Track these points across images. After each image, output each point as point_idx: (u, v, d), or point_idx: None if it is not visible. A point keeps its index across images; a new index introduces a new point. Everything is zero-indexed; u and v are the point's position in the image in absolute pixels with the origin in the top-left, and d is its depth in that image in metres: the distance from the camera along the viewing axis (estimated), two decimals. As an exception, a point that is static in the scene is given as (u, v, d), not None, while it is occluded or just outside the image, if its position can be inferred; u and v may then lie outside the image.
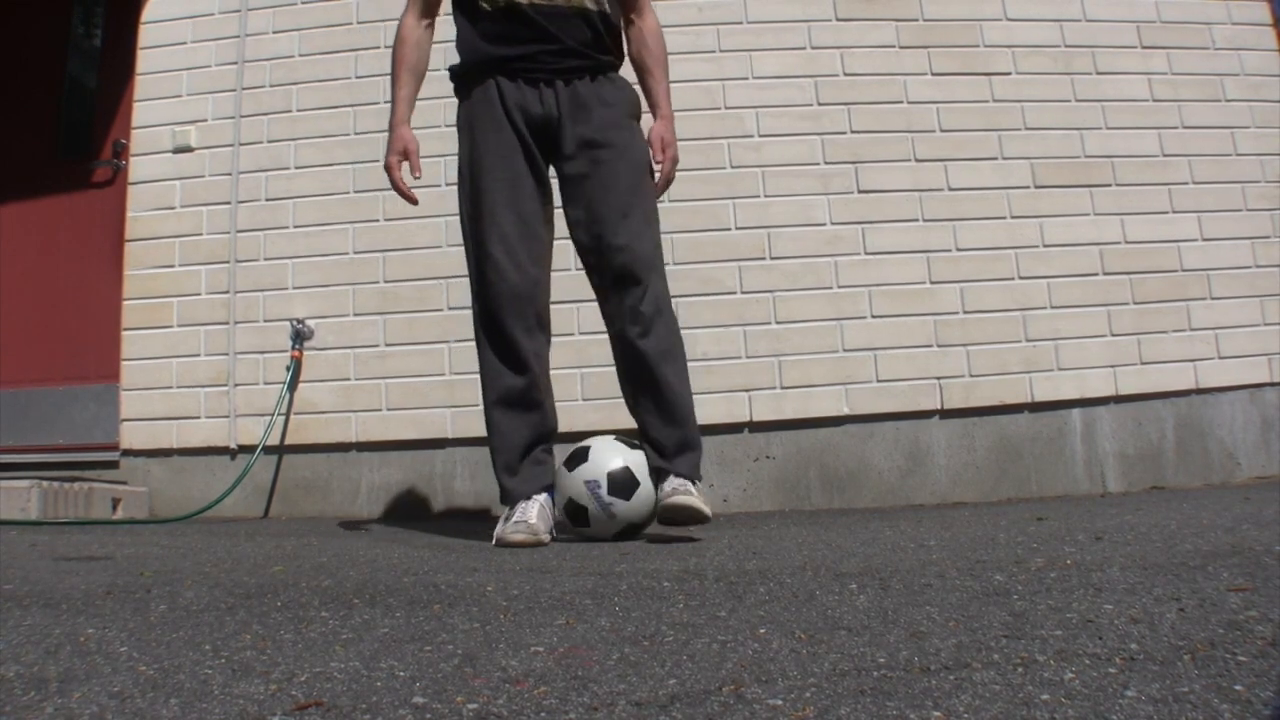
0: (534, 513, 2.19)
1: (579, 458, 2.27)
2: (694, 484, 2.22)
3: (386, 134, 2.39)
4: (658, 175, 2.38)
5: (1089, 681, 0.88)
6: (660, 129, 2.39)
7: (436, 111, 3.58)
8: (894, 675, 0.94)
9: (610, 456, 2.26)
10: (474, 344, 2.36)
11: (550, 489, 2.29)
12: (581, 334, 3.36)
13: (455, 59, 2.39)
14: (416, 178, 2.34)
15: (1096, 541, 1.78)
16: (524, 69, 2.28)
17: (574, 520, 2.26)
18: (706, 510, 2.13)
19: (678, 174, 2.46)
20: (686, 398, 2.29)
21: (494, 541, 2.19)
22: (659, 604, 1.35)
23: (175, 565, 1.86)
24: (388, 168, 2.34)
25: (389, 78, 2.40)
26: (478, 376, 3.39)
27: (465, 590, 1.50)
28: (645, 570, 1.66)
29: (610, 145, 2.28)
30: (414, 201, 2.38)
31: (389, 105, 2.39)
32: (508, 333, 2.25)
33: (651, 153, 2.37)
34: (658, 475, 2.24)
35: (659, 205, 2.42)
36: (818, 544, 1.99)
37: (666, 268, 3.40)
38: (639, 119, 2.40)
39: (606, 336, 3.14)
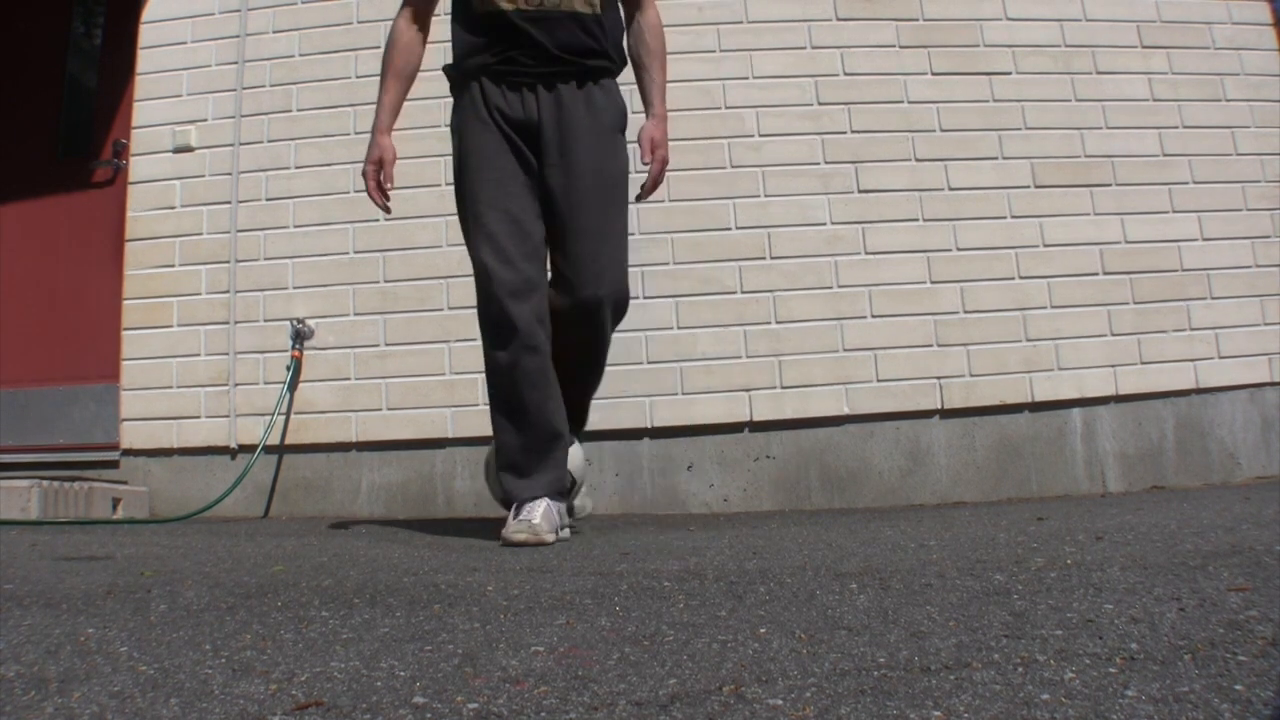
0: (539, 513, 2.19)
1: None
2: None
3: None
4: (645, 178, 2.34)
5: (1089, 681, 0.88)
6: (651, 129, 2.34)
7: (436, 111, 3.59)
8: (894, 675, 0.94)
9: None
10: (476, 343, 2.34)
11: (564, 491, 2.28)
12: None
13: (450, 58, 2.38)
14: (388, 188, 2.36)
15: (1097, 541, 1.78)
16: (505, 74, 2.26)
17: None
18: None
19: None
20: (574, 413, 2.34)
21: (500, 540, 2.19)
22: (659, 604, 1.35)
23: (175, 565, 1.86)
24: (365, 175, 2.36)
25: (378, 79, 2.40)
26: (478, 376, 3.41)
27: (465, 590, 1.50)
28: (645, 570, 1.66)
29: (585, 160, 2.25)
30: (387, 210, 2.40)
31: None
32: (515, 333, 2.20)
33: (640, 154, 2.32)
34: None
35: (652, 204, 2.38)
36: (818, 544, 1.99)
37: (666, 267, 3.44)
38: (624, 130, 2.36)
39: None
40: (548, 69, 2.25)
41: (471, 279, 3.45)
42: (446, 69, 2.38)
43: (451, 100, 2.41)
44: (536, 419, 2.24)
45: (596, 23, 2.28)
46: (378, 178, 2.35)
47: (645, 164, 2.33)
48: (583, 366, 2.36)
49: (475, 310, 2.18)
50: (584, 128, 2.26)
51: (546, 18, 2.23)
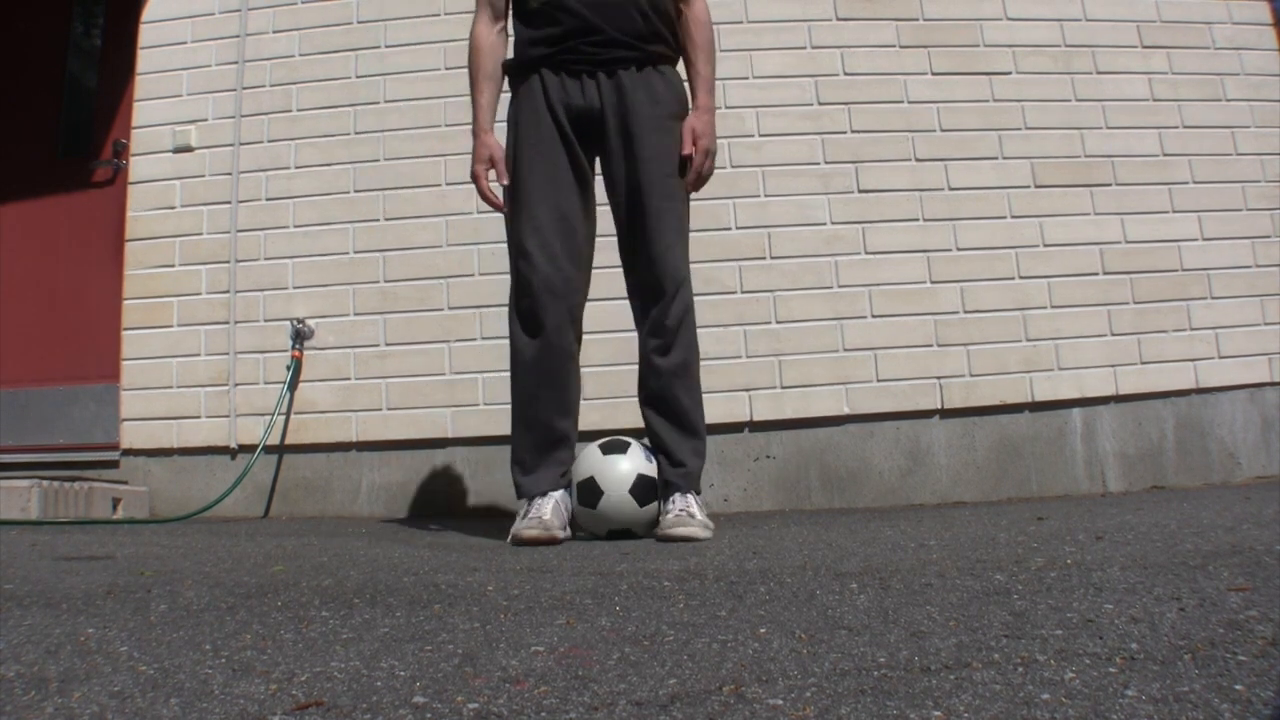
0: (548, 509, 2.19)
1: (617, 448, 2.31)
2: (696, 498, 2.26)
3: (471, 141, 2.38)
4: (689, 169, 2.32)
5: (1089, 681, 0.88)
6: (693, 120, 2.33)
7: (436, 111, 3.59)
8: (894, 675, 0.94)
9: (646, 459, 2.31)
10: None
11: (567, 488, 2.28)
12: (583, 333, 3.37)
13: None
14: (504, 185, 2.33)
15: (1097, 541, 1.78)
16: (565, 61, 2.26)
17: (583, 499, 2.27)
18: (705, 535, 2.16)
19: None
20: (696, 410, 2.32)
21: (509, 539, 2.19)
22: (659, 604, 1.35)
23: (175, 565, 1.86)
24: (474, 176, 2.34)
25: (468, 84, 2.40)
26: (479, 376, 3.41)
27: (466, 590, 1.50)
28: (645, 570, 1.66)
29: (650, 147, 2.26)
30: (501, 209, 2.36)
31: (470, 110, 2.38)
32: (543, 329, 2.23)
33: (683, 144, 2.30)
34: (664, 487, 2.27)
35: (693, 201, 2.39)
36: (818, 544, 1.99)
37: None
38: (684, 118, 2.34)
39: (606, 336, 3.17)
40: (608, 54, 2.25)
41: (471, 279, 3.47)
42: (506, 63, 2.38)
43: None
44: (545, 417, 2.25)
45: (653, 7, 2.29)
46: (487, 178, 2.33)
47: (686, 155, 2.31)
48: (668, 369, 2.27)
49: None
50: (645, 114, 2.26)
51: (605, 2, 2.24)
